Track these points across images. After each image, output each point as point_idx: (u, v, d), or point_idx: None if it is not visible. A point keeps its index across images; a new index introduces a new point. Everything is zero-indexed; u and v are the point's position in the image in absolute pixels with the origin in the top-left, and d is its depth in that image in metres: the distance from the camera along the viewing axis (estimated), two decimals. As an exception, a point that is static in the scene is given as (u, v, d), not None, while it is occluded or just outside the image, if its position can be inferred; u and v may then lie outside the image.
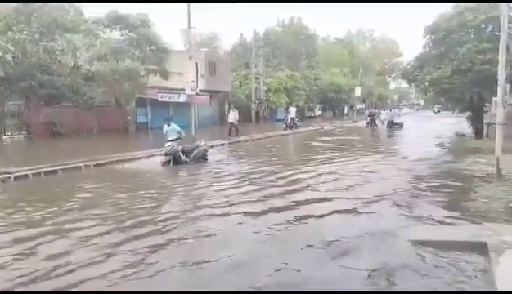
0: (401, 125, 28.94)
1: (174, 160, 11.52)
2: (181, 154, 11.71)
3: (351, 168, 11.01)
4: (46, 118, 20.20)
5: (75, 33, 21.08)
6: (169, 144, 11.45)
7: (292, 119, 28.17)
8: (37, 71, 20.15)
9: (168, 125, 11.87)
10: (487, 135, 18.54)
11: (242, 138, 19.81)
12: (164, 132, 11.83)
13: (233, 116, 20.93)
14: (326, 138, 21.74)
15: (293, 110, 29.28)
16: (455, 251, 4.55)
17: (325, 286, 3.86)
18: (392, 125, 28.59)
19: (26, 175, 9.71)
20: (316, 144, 18.85)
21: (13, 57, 18.14)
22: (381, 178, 9.51)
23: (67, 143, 17.70)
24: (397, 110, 36.11)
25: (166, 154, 11.52)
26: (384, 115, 33.82)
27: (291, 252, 4.66)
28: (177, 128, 11.79)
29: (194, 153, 12.02)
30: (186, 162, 11.75)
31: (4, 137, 18.85)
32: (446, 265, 4.26)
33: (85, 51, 20.37)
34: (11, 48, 18.27)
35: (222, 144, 17.58)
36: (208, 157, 12.50)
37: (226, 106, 35.95)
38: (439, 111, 67.96)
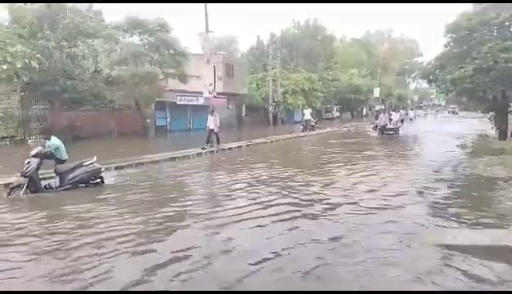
0: (395, 131, 24.24)
1: (29, 185, 8.23)
2: (57, 178, 8.72)
3: (357, 176, 10.86)
4: (68, 121, 20.72)
5: (96, 38, 21.58)
6: (28, 160, 8.29)
7: (307, 121, 28.04)
8: (60, 76, 20.73)
9: (49, 139, 9.04)
10: (511, 136, 18.04)
11: (236, 144, 18.30)
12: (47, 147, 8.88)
13: (213, 121, 17.29)
14: (335, 141, 21.02)
15: (307, 112, 29.11)
16: (479, 255, 4.44)
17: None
18: (384, 131, 23.83)
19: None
20: (314, 149, 18.57)
21: (39, 64, 18.69)
22: (399, 180, 9.36)
23: (89, 146, 18.06)
24: (392, 112, 30.81)
25: (22, 175, 8.23)
26: (394, 117, 28.90)
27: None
28: (57, 142, 8.97)
29: (72, 175, 8.72)
30: (52, 188, 8.58)
31: (29, 141, 19.40)
32: (470, 269, 4.16)
33: (106, 56, 20.83)
34: (38, 55, 18.83)
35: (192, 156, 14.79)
36: (102, 179, 9.26)
37: (244, 108, 36.17)
38: (454, 111, 66.10)
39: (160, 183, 9.78)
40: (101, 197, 8.12)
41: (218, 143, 17.01)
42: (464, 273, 4.09)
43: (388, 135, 23.37)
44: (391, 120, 25.17)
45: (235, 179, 9.91)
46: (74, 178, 8.74)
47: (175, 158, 14.05)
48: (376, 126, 26.32)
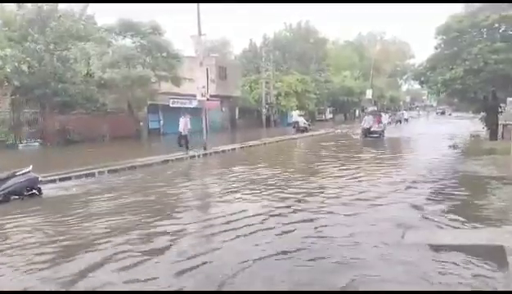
0: (380, 134, 22.79)
1: None
2: None
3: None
4: (60, 125, 20.54)
5: (88, 41, 21.45)
6: None
7: (295, 123, 28.24)
8: (51, 79, 20.56)
9: None
10: (502, 136, 18.23)
11: (230, 147, 17.86)
12: None
13: (182, 124, 15.92)
14: (325, 144, 20.73)
15: (295, 114, 29.29)
16: (472, 255, 4.46)
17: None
18: (368, 134, 22.44)
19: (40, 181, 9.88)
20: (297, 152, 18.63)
21: (29, 67, 18.53)
22: (393, 182, 9.41)
23: (81, 150, 17.96)
24: (382, 114, 29.51)
25: None
26: (384, 119, 28.72)
27: None
28: None
29: (4, 187, 7.96)
30: None
31: (20, 145, 19.20)
32: (462, 269, 4.18)
33: (98, 59, 20.68)
34: (28, 59, 18.68)
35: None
36: (39, 190, 8.49)
37: (237, 111, 36.14)
38: (443, 112, 67.02)
39: (122, 193, 8.68)
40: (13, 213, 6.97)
41: (187, 148, 15.73)
42: (458, 273, 4.11)
43: (372, 138, 21.96)
44: (379, 122, 24.43)
45: (222, 189, 9.79)
46: (4, 190, 7.93)
47: (167, 160, 13.98)
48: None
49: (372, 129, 22.73)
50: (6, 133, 19.28)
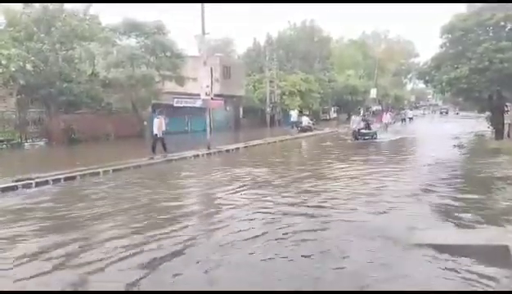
0: (372, 136, 21.53)
1: None
2: None
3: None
4: (65, 124, 20.65)
5: (93, 41, 21.55)
6: None
7: (293, 123, 28.18)
8: (56, 79, 20.69)
9: None
10: (508, 136, 18.11)
11: (234, 146, 17.53)
12: None
13: (157, 125, 14.14)
14: (323, 144, 20.58)
15: (294, 114, 29.19)
16: (475, 255, 4.44)
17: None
18: (359, 136, 21.06)
19: (47, 181, 9.94)
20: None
21: (34, 67, 18.65)
22: (399, 181, 9.38)
23: (85, 149, 18.05)
24: (384, 113, 29.67)
25: None
26: (384, 118, 29.28)
27: None
28: None
29: None
30: None
31: (26, 144, 19.34)
32: (466, 269, 4.17)
33: (102, 59, 20.78)
34: (32, 58, 18.80)
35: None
36: None
37: (241, 110, 36.15)
38: (447, 112, 66.92)
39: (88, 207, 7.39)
40: None
41: (165, 149, 14.12)
42: (461, 272, 4.09)
43: (363, 140, 20.78)
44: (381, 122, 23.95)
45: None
46: None
47: (171, 160, 13.98)
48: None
49: (362, 131, 21.45)
50: (12, 132, 19.43)
